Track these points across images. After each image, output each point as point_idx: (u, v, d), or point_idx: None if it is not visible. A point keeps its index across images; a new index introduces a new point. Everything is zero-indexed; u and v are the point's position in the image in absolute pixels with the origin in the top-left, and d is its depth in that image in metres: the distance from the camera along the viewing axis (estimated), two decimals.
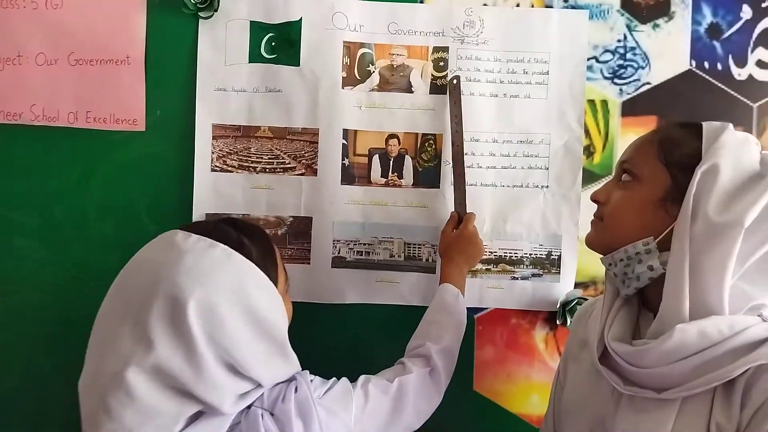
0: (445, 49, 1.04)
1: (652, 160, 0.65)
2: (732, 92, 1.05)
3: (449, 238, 0.97)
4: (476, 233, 0.97)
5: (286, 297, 0.71)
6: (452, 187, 1.02)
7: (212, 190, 1.04)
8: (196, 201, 1.04)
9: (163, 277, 0.58)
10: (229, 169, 1.05)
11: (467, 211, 1.00)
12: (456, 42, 1.04)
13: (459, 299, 0.90)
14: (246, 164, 1.05)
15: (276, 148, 1.05)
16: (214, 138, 1.04)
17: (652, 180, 0.65)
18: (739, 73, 1.05)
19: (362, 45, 1.04)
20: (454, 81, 1.02)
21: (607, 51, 1.06)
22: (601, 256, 0.71)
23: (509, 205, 1.06)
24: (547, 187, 1.06)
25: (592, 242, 0.72)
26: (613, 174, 0.76)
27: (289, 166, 1.05)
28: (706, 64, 1.05)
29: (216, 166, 1.04)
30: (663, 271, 0.62)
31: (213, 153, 1.04)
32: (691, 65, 1.05)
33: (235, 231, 0.67)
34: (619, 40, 1.05)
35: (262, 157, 1.05)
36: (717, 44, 1.05)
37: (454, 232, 0.97)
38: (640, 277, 0.64)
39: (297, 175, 1.05)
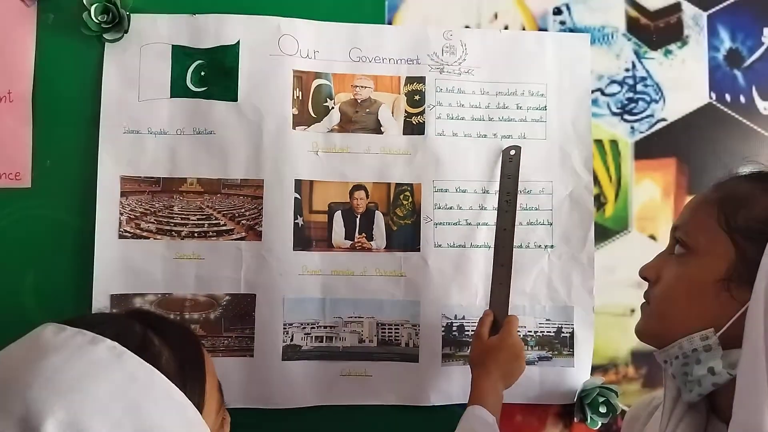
0: (421, 80, 0.84)
1: (711, 226, 0.50)
2: (759, 129, 0.89)
3: (485, 344, 0.74)
4: (521, 344, 0.74)
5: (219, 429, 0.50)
6: (490, 279, 0.80)
7: (120, 264, 0.79)
8: (98, 278, 0.78)
9: (12, 390, 0.37)
10: (145, 234, 0.80)
11: (509, 313, 0.77)
12: (434, 71, 0.84)
13: (495, 430, 0.67)
14: (167, 228, 0.80)
15: (207, 206, 0.81)
16: (123, 195, 0.79)
17: (711, 253, 0.50)
18: (765, 107, 0.89)
19: (317, 75, 0.83)
20: (512, 152, 0.82)
21: (613, 82, 0.88)
22: (655, 350, 0.55)
23: None
24: (552, 247, 0.85)
25: (639, 332, 0.57)
26: (668, 243, 0.57)
27: (224, 228, 0.81)
28: (728, 97, 0.89)
29: (126, 232, 0.79)
30: (728, 377, 0.47)
31: (122, 214, 0.79)
32: (710, 98, 0.88)
33: (140, 325, 0.46)
34: (627, 69, 0.88)
35: (188, 218, 0.80)
36: (738, 73, 0.89)
37: (491, 338, 0.75)
38: (701, 382, 0.49)
39: (235, 239, 0.81)
